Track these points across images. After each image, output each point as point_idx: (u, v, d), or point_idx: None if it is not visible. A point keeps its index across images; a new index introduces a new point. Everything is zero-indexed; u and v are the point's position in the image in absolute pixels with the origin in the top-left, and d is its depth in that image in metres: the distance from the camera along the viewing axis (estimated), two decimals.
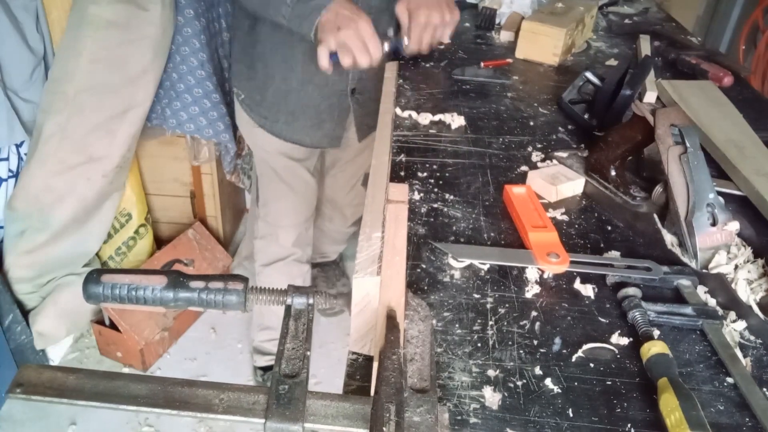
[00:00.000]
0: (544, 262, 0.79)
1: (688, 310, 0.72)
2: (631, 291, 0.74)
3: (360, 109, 1.51)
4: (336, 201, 1.96)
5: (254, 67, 1.44)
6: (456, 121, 1.16)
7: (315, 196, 1.75)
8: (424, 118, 1.16)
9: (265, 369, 1.96)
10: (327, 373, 1.96)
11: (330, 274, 2.29)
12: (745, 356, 0.68)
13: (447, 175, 1.00)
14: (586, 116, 1.17)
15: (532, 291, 0.76)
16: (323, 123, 1.50)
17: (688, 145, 0.83)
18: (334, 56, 1.12)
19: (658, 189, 0.88)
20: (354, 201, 1.94)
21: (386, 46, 1.15)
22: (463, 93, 1.29)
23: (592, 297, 0.76)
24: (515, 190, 0.92)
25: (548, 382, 0.64)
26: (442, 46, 1.48)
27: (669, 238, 0.84)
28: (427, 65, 1.39)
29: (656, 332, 0.70)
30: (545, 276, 0.79)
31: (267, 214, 1.73)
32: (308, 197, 1.71)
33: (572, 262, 0.79)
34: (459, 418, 0.59)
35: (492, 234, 0.87)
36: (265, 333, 1.90)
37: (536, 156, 1.06)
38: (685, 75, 1.41)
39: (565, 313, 0.73)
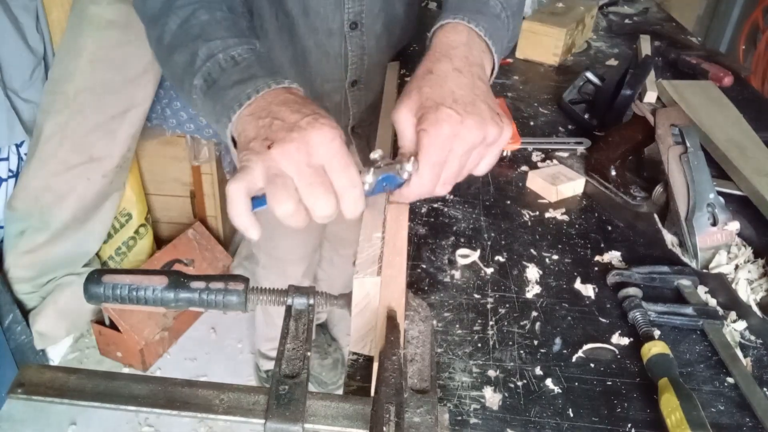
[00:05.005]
0: None
1: (689, 310, 0.72)
2: (631, 291, 0.74)
3: (357, 105, 1.28)
4: (338, 235, 1.81)
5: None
6: None
7: (321, 225, 1.68)
8: None
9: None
10: None
11: None
12: (745, 356, 0.68)
13: None
14: (586, 116, 1.17)
15: (532, 291, 0.76)
16: None
17: (688, 145, 0.83)
18: (258, 201, 0.58)
19: (659, 189, 0.88)
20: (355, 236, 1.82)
21: (368, 180, 0.61)
22: None
23: (593, 297, 0.76)
24: None
25: (549, 382, 0.64)
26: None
27: (669, 238, 0.84)
28: None
29: (657, 332, 0.70)
30: (544, 275, 0.79)
31: (273, 248, 1.61)
32: (315, 226, 1.65)
33: (523, 142, 1.06)
34: (459, 418, 0.59)
35: None
36: (272, 343, 1.89)
37: (536, 156, 1.06)
38: (686, 75, 1.41)
39: (566, 313, 0.73)
